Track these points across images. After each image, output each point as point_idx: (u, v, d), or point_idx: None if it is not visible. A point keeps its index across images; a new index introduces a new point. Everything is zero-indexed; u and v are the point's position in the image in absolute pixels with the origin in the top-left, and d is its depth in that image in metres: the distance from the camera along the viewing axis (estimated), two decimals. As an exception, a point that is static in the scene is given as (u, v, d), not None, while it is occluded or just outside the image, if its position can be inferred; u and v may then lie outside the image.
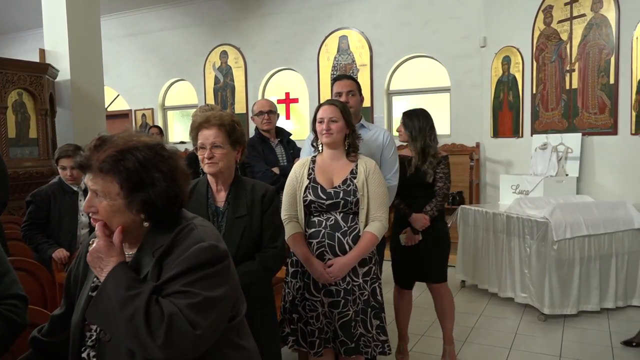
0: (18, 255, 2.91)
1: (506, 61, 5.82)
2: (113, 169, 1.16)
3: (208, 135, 1.94)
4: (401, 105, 6.99)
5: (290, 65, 7.69)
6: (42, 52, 5.35)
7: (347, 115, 2.35)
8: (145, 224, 1.23)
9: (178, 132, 9.08)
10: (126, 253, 1.26)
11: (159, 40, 8.63)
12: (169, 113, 9.02)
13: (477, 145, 6.29)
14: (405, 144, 3.18)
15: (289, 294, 2.37)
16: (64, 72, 5.10)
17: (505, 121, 5.91)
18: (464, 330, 3.75)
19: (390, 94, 7.06)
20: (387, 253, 3.14)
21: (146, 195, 1.18)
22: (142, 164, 1.18)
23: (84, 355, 1.23)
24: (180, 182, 1.25)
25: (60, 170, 3.30)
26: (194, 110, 8.46)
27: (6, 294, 1.21)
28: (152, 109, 8.86)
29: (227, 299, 1.20)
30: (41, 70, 4.74)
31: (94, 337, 1.23)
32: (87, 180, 1.20)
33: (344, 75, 3.00)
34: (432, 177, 3.03)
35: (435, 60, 6.69)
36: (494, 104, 6.05)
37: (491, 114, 6.10)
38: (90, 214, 1.22)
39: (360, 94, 2.89)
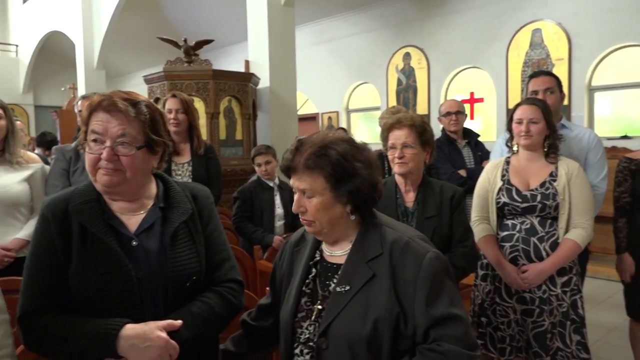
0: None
1: None
2: (317, 164, 1.23)
3: (399, 135, 1.98)
4: (604, 102, 6.20)
5: (475, 64, 7.39)
6: (247, 62, 6.01)
7: (548, 115, 2.18)
8: (352, 217, 1.29)
9: (361, 134, 9.40)
10: (333, 252, 1.33)
11: (345, 45, 9.04)
12: (353, 115, 9.40)
13: None
14: None
15: (477, 297, 2.30)
16: (264, 80, 5.66)
17: None
18: None
19: (592, 90, 6.30)
20: (592, 268, 2.81)
21: (352, 185, 1.23)
22: (343, 156, 1.23)
23: (297, 351, 1.30)
24: (377, 170, 1.30)
25: (256, 168, 3.68)
26: (376, 112, 8.74)
27: (226, 278, 1.35)
28: (337, 112, 9.32)
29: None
30: (246, 79, 5.34)
31: (306, 336, 1.29)
32: (294, 181, 1.27)
33: (542, 71, 2.78)
34: None
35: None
36: None
37: None
38: (299, 214, 1.29)
39: (561, 91, 2.65)
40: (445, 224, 1.95)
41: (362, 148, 1.30)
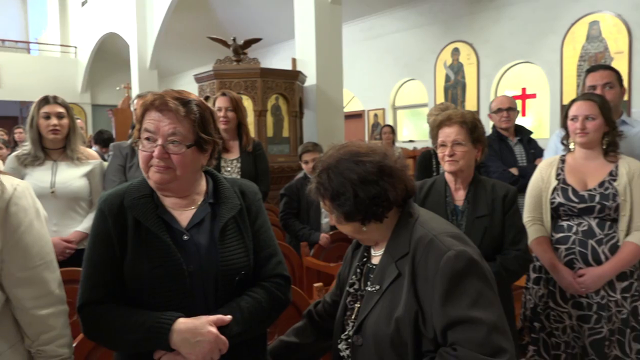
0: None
1: None
2: (321, 194, 1.26)
3: (449, 132, 1.94)
4: (669, 97, 5.87)
5: (528, 58, 7.16)
6: (294, 60, 6.06)
7: (606, 111, 2.08)
8: (365, 228, 1.27)
9: (407, 131, 9.30)
10: (375, 253, 1.34)
11: (392, 41, 8.96)
12: (399, 112, 9.30)
13: None
14: None
15: (530, 300, 2.22)
16: (311, 77, 5.69)
17: None
18: None
19: (654, 84, 5.99)
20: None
21: (347, 207, 1.23)
22: (352, 174, 1.23)
23: (340, 346, 1.34)
24: (386, 174, 1.26)
25: (303, 165, 3.70)
26: (423, 109, 8.61)
27: (273, 273, 1.37)
28: (384, 109, 9.25)
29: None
30: (293, 77, 5.38)
31: (347, 333, 1.33)
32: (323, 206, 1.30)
33: (601, 65, 2.66)
34: None
35: None
36: None
37: None
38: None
39: (621, 86, 2.52)
40: (497, 224, 1.89)
41: (366, 154, 1.25)
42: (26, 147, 2.66)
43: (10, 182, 1.08)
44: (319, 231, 3.49)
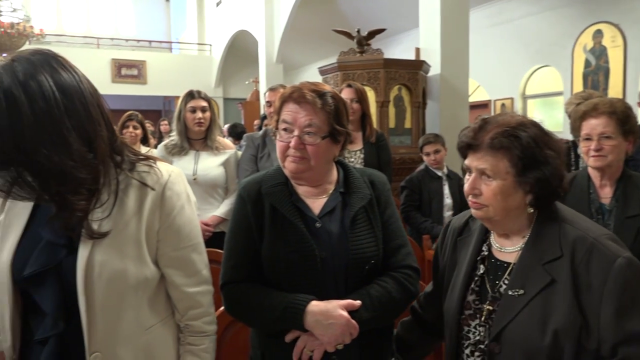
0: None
1: None
2: (505, 145, 1.13)
3: (595, 125, 1.77)
4: None
5: (689, 38, 6.27)
6: (417, 50, 5.94)
7: None
8: (530, 210, 1.18)
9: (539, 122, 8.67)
10: (503, 248, 1.24)
11: (522, 26, 8.38)
12: (529, 102, 8.70)
13: None
14: None
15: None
16: (435, 67, 5.53)
17: None
18: None
19: None
20: None
21: (541, 173, 1.13)
22: (534, 140, 1.14)
23: (467, 351, 1.25)
24: (563, 168, 1.19)
25: (424, 157, 3.63)
26: (558, 98, 7.95)
27: (403, 264, 1.37)
28: (512, 98, 8.71)
29: None
30: (417, 67, 5.28)
31: (476, 337, 1.23)
32: (472, 161, 1.19)
33: None
34: None
35: None
36: None
37: None
38: (470, 197, 1.21)
39: None
40: (652, 225, 1.69)
41: (553, 136, 1.20)
42: (173, 138, 2.94)
43: (165, 168, 1.18)
44: (441, 224, 3.41)
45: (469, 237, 1.33)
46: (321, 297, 1.26)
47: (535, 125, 1.18)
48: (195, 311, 1.22)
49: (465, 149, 1.21)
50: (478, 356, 1.21)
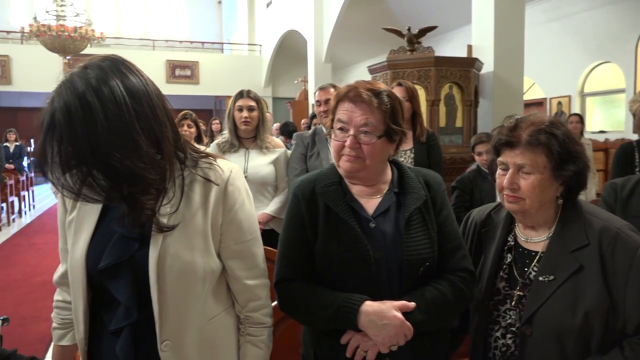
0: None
1: None
2: (543, 141, 1.24)
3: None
4: None
5: None
6: (470, 47, 5.81)
7: None
8: (560, 202, 1.30)
9: (597, 121, 8.30)
10: (529, 239, 1.33)
11: (581, 21, 8.04)
12: (588, 99, 8.34)
13: None
14: None
15: None
16: (488, 64, 5.40)
17: None
18: None
19: None
20: None
21: (576, 167, 1.25)
22: (567, 137, 1.26)
23: (497, 334, 1.32)
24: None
25: (476, 157, 3.55)
26: (619, 95, 7.59)
27: (458, 267, 1.34)
28: (569, 96, 8.38)
29: None
30: (469, 64, 5.16)
31: (507, 321, 1.31)
32: (510, 157, 1.28)
33: None
34: None
35: None
36: None
37: None
38: (506, 191, 1.29)
39: None
40: None
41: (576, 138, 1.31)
42: (225, 136, 3.02)
43: (226, 165, 1.22)
44: (494, 226, 3.32)
45: (493, 229, 1.43)
46: (374, 298, 1.25)
47: (563, 125, 1.29)
48: (254, 303, 1.26)
49: (503, 146, 1.30)
50: (510, 338, 1.30)
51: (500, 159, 1.31)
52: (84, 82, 1.01)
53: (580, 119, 5.64)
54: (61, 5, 10.76)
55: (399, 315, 1.21)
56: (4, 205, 8.37)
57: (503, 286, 1.35)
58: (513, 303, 1.31)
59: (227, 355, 1.24)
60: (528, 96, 8.91)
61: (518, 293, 1.31)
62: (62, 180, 1.05)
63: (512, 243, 1.38)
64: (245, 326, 1.27)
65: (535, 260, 1.32)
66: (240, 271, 1.22)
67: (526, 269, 1.32)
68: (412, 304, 1.24)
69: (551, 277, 1.25)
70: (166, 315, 1.11)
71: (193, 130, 4.17)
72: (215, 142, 3.08)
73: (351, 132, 1.28)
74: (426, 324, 1.25)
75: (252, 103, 2.92)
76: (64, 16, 10.71)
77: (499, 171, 1.32)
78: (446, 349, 1.40)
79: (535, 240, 1.33)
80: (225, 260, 1.21)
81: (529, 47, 8.33)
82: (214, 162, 1.20)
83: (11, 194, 8.66)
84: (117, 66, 1.07)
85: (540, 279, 1.26)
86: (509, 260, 1.36)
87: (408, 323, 1.22)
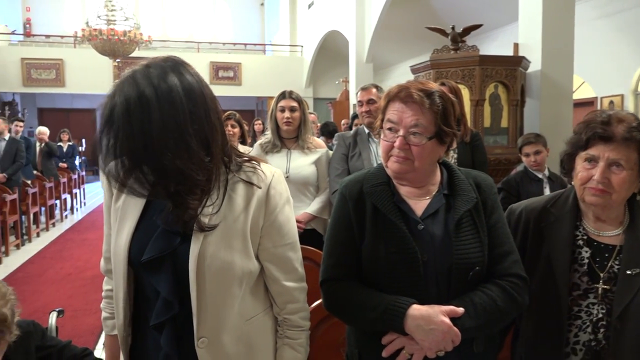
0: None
1: None
2: (638, 138, 1.26)
3: None
4: None
5: None
6: (516, 45, 5.65)
7: None
8: (638, 198, 1.35)
9: (652, 120, 7.92)
10: (602, 232, 1.35)
11: (635, 17, 7.69)
12: (642, 99, 7.97)
13: None
14: None
15: None
16: (535, 63, 5.24)
17: None
18: None
19: None
20: None
21: None
22: None
23: (585, 328, 1.34)
24: None
25: (523, 158, 3.46)
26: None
27: (509, 272, 1.29)
28: (622, 95, 8.03)
29: None
30: (515, 63, 5.03)
31: (597, 316, 1.32)
32: (603, 151, 1.28)
33: None
34: None
35: None
36: None
37: None
38: (596, 184, 1.29)
39: None
40: None
41: None
42: (267, 136, 3.05)
43: (269, 169, 1.23)
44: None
45: (556, 224, 1.40)
46: (422, 302, 1.22)
47: None
48: (293, 306, 1.26)
49: (597, 140, 1.29)
50: (601, 333, 1.31)
51: (590, 152, 1.30)
52: (146, 80, 1.04)
53: (636, 118, 5.40)
54: (112, 10, 11.14)
55: (447, 320, 1.18)
56: (57, 202, 8.74)
57: (587, 281, 1.34)
58: (599, 297, 1.32)
59: (263, 357, 1.24)
60: (578, 95, 8.58)
61: (603, 287, 1.31)
62: (112, 171, 1.09)
63: (585, 237, 1.37)
64: (284, 329, 1.27)
65: (615, 254, 1.33)
66: (278, 273, 1.23)
67: (605, 263, 1.33)
68: (461, 310, 1.20)
69: (637, 270, 1.27)
70: (204, 313, 1.12)
71: (237, 130, 4.23)
72: (258, 142, 3.12)
73: (401, 132, 1.26)
74: (475, 330, 1.22)
75: (294, 104, 2.94)
76: (114, 20, 11.09)
77: (584, 164, 1.32)
78: (495, 354, 1.37)
79: (609, 234, 1.34)
80: (263, 262, 1.22)
81: (579, 44, 8.03)
82: (257, 167, 1.21)
83: (64, 192, 9.05)
84: (178, 67, 1.10)
85: (628, 272, 1.28)
86: (587, 253, 1.35)
87: (456, 329, 1.18)
